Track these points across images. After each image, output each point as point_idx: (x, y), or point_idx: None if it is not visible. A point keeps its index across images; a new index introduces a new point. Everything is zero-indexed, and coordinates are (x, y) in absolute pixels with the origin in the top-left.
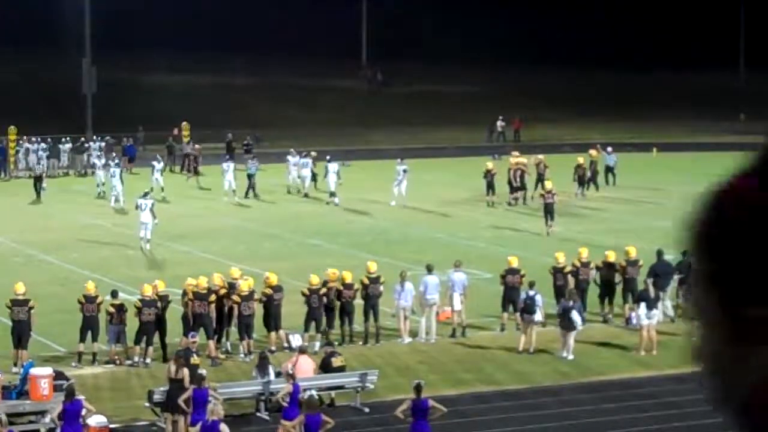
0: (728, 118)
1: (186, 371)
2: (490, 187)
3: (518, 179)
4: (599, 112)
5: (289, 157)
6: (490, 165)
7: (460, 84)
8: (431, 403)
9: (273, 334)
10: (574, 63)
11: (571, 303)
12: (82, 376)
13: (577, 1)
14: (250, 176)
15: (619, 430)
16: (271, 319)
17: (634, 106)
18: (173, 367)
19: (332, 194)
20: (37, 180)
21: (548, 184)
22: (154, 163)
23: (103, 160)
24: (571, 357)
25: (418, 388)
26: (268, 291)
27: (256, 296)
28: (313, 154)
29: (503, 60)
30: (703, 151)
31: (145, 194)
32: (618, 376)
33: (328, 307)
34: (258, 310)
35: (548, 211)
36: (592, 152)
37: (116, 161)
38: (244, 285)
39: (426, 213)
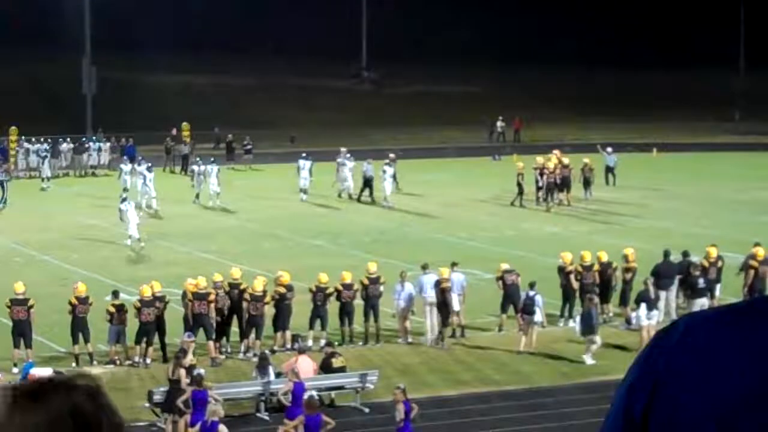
0: (728, 119)
1: (182, 372)
2: (519, 186)
3: (559, 180)
4: (599, 112)
5: (340, 159)
6: (520, 165)
7: (460, 84)
8: (411, 404)
9: (279, 333)
10: (574, 63)
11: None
12: None
13: (577, 1)
14: (366, 179)
15: None
16: (281, 318)
17: (634, 106)
18: (171, 368)
19: (305, 191)
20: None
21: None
22: (194, 167)
23: (130, 165)
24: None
25: (404, 391)
26: (281, 290)
27: (267, 298)
28: (392, 155)
29: (503, 60)
30: (703, 152)
31: (124, 199)
32: (618, 377)
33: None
34: (269, 309)
35: (549, 189)
36: (557, 152)
37: (147, 165)
38: (258, 284)
39: (426, 213)
